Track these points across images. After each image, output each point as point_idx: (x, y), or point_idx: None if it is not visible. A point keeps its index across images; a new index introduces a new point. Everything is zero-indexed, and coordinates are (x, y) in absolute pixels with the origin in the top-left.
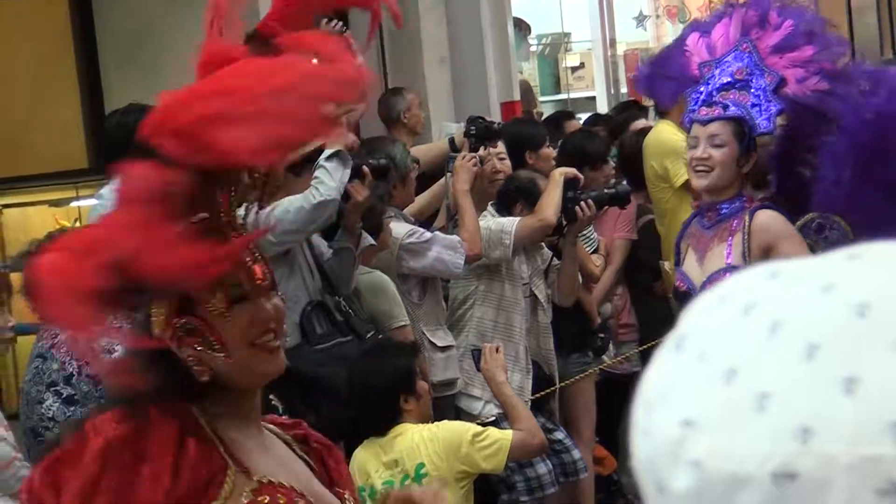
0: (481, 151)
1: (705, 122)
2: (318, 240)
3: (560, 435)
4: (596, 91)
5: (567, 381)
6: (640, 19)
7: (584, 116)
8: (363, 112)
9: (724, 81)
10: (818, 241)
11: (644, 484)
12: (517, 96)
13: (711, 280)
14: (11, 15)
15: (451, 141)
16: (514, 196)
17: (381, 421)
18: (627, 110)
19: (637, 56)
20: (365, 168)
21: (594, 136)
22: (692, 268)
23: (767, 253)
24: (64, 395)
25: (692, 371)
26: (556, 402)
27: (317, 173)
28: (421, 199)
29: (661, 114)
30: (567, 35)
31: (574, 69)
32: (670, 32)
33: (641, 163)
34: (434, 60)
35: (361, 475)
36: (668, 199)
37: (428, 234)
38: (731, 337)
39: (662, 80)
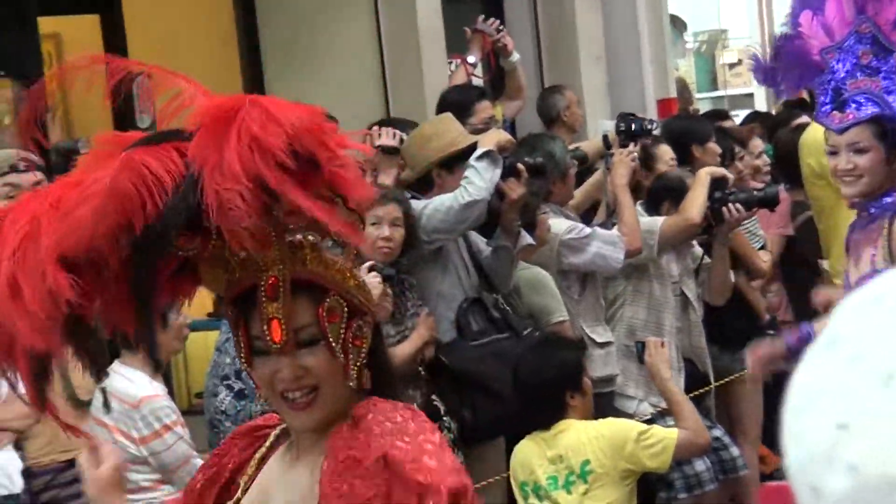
0: (631, 147)
1: (841, 132)
2: (476, 237)
3: (718, 433)
4: (753, 87)
5: (723, 380)
6: None
7: (741, 113)
8: (518, 110)
9: (849, 69)
10: None
11: (797, 487)
12: (673, 93)
13: (859, 284)
14: (183, 12)
15: (605, 138)
16: (662, 195)
17: (546, 416)
18: (790, 109)
19: None
20: (520, 166)
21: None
22: (851, 271)
23: None
24: (235, 389)
25: (846, 374)
26: (712, 400)
27: (466, 173)
28: (576, 195)
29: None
30: (724, 32)
31: (731, 66)
32: None
33: (797, 160)
34: (590, 58)
35: (524, 470)
36: (827, 197)
37: (588, 230)
38: (888, 339)
39: (784, 70)
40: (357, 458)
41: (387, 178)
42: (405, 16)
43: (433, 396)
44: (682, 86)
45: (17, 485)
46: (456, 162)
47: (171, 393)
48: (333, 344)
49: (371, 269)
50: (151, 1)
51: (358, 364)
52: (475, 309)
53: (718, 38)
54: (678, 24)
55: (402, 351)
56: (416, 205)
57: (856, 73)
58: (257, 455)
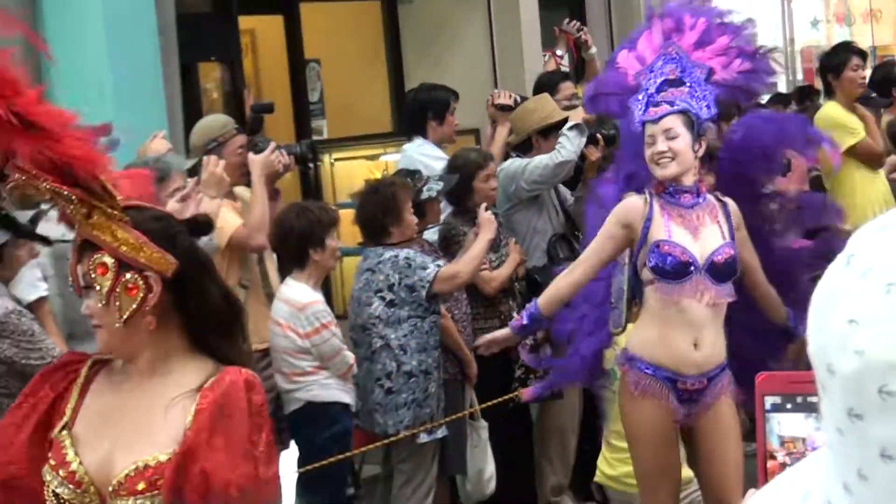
0: None
1: (657, 120)
2: (563, 189)
3: None
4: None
5: None
6: (814, 23)
7: (765, 96)
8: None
9: (660, 82)
10: None
11: (817, 367)
12: None
13: (718, 253)
14: (345, 16)
15: None
16: None
17: None
18: (803, 92)
19: (811, 52)
20: (598, 135)
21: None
22: (687, 241)
23: (739, 230)
24: (387, 300)
25: (857, 283)
26: None
27: (560, 139)
28: None
29: (829, 95)
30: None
31: None
32: (838, 34)
33: None
34: None
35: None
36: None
37: None
38: (889, 257)
39: (605, 97)
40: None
41: (503, 130)
42: (511, 19)
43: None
44: None
45: None
46: (551, 131)
47: (328, 301)
48: (98, 290)
49: (486, 209)
50: (322, 7)
51: (130, 309)
52: (561, 242)
53: None
54: None
55: (501, 273)
56: (520, 162)
57: (665, 86)
58: (75, 386)
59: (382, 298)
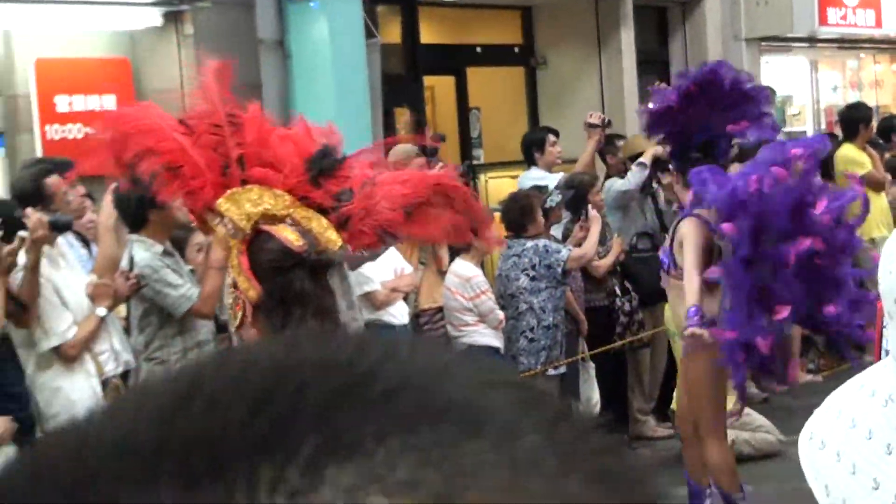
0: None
1: None
2: (661, 199)
3: None
4: (807, 126)
5: None
6: (835, 88)
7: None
8: None
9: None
10: None
11: (885, 301)
12: None
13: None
14: (495, 78)
15: None
16: None
17: None
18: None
19: (832, 109)
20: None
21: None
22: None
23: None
24: (531, 276)
25: None
26: None
27: (628, 172)
28: None
29: (846, 139)
30: (790, 97)
31: (795, 115)
32: (851, 96)
33: (833, 168)
34: None
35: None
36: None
37: None
38: None
39: (657, 127)
40: None
41: (591, 142)
42: (616, 82)
43: (625, 283)
44: None
45: (404, 318)
46: (633, 160)
47: (485, 275)
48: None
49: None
50: (482, 70)
51: (235, 323)
52: (643, 237)
53: (787, 100)
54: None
55: (606, 261)
56: (608, 185)
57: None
58: None
59: (527, 275)
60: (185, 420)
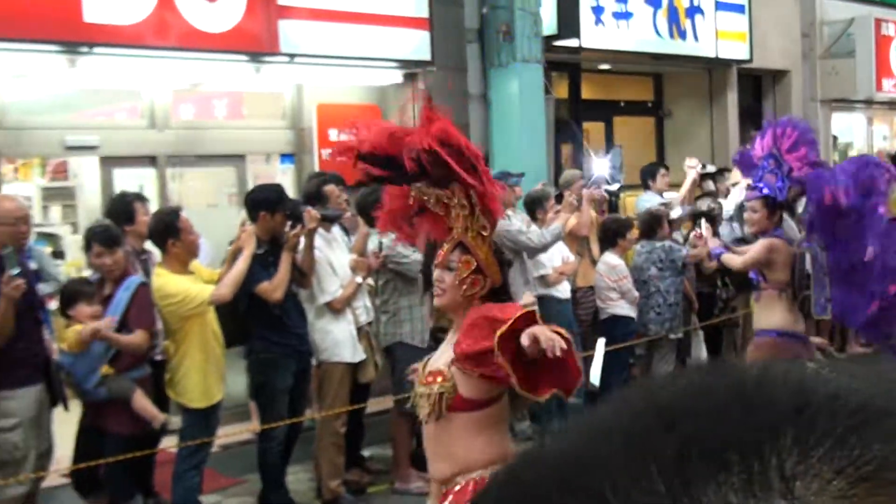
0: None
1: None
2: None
3: None
4: None
5: None
6: (885, 137)
7: None
8: None
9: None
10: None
11: None
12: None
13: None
14: (633, 126)
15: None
16: None
17: None
18: None
19: (883, 153)
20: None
21: None
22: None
23: None
24: (659, 267)
25: None
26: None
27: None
28: None
29: None
30: (850, 143)
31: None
32: None
33: None
34: None
35: None
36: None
37: None
38: None
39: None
40: (471, 317)
41: (688, 179)
42: (723, 129)
43: (724, 277)
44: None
45: (567, 294)
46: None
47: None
48: (457, 273)
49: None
50: (623, 119)
51: (471, 294)
52: (741, 242)
53: (849, 145)
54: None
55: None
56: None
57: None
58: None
59: (657, 267)
60: (738, 423)
